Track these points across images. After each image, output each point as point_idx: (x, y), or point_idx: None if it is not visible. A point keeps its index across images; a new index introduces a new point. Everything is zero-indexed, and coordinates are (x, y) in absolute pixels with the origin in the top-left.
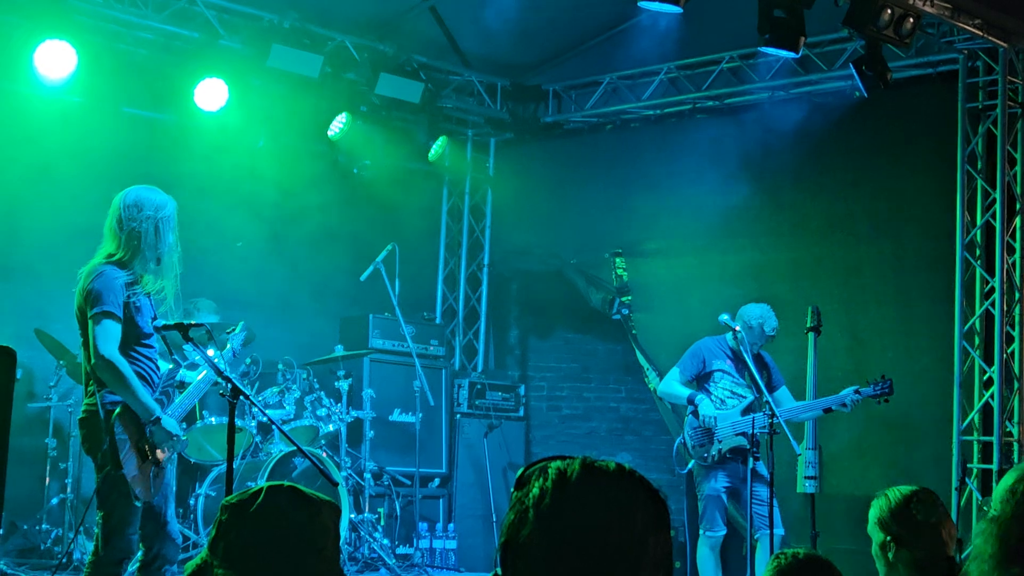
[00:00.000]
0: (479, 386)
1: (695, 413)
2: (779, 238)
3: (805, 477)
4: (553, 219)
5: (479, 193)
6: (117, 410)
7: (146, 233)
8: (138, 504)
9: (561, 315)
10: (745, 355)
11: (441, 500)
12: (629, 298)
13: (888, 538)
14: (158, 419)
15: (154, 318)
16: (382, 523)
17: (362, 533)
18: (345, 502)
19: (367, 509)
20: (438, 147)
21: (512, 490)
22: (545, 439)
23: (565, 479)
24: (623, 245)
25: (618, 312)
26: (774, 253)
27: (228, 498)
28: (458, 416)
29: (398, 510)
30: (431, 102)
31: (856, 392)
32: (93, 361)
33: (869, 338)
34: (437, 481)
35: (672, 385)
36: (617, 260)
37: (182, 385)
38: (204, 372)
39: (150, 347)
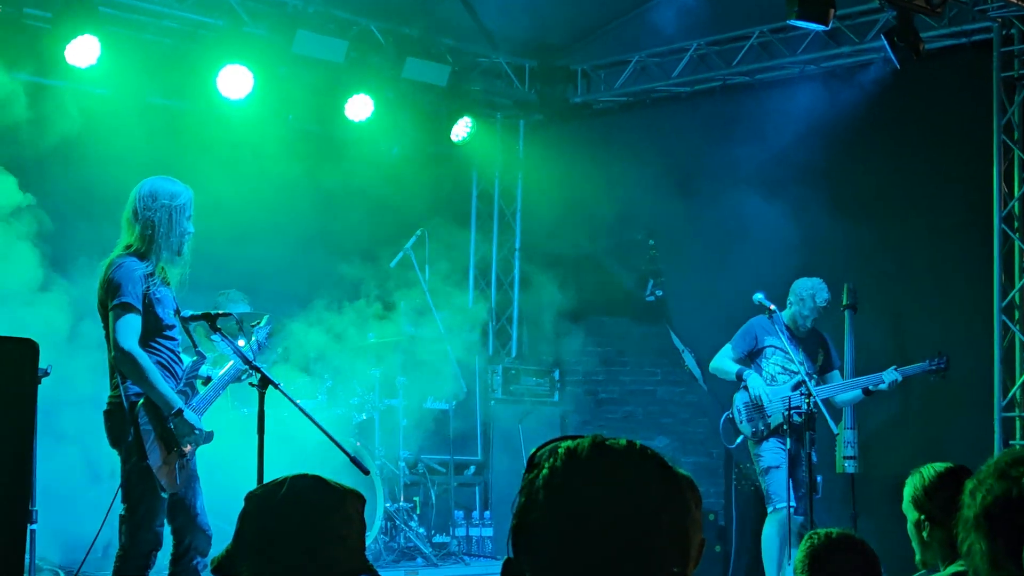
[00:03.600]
0: (513, 371)
1: (746, 388)
2: (814, 214)
3: (844, 457)
4: (584, 200)
5: (509, 176)
6: (141, 400)
7: (160, 222)
8: (164, 496)
9: (595, 298)
10: (782, 333)
11: (476, 487)
12: (662, 279)
13: (922, 517)
14: (180, 411)
15: (177, 310)
16: (417, 512)
17: (397, 522)
18: (380, 492)
19: (402, 498)
20: (467, 131)
21: (524, 473)
22: (581, 424)
23: (574, 457)
24: (656, 225)
25: (652, 294)
26: (810, 230)
27: (253, 489)
28: (492, 402)
29: (433, 498)
30: (458, 85)
31: (896, 369)
32: (113, 354)
33: (907, 314)
34: (472, 469)
35: (723, 361)
36: (650, 241)
37: (208, 381)
38: (230, 364)
39: (172, 339)
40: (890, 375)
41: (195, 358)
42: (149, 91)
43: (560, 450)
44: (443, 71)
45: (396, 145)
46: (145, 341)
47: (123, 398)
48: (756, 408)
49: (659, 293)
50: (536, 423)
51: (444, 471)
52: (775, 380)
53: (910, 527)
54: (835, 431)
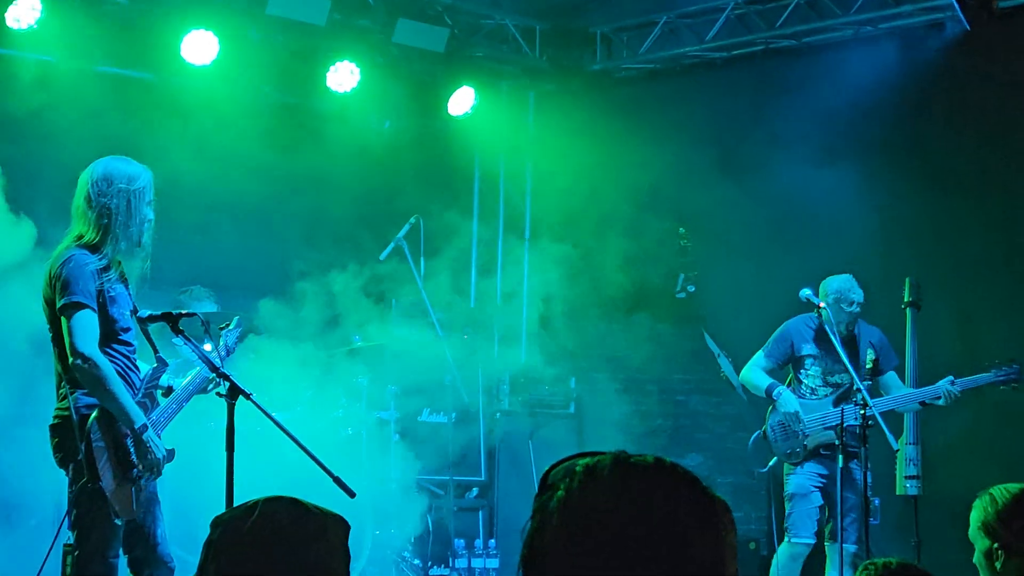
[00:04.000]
0: (522, 379)
1: (775, 407)
2: (868, 196)
3: (905, 477)
4: (604, 183)
5: (517, 155)
6: (94, 414)
7: (118, 210)
8: (119, 523)
9: (617, 295)
10: (831, 335)
11: (480, 512)
12: (695, 273)
13: (995, 545)
14: (144, 427)
15: (134, 309)
16: (412, 540)
17: (389, 552)
18: (368, 517)
19: (394, 525)
20: (469, 104)
21: (536, 495)
22: (600, 439)
23: (594, 477)
24: (687, 211)
25: (683, 290)
26: (862, 214)
27: (220, 515)
28: (498, 415)
29: (430, 525)
30: (458, 51)
31: (952, 383)
32: (70, 360)
33: (977, 312)
34: (475, 491)
35: (754, 372)
36: (680, 230)
37: (169, 391)
38: (194, 373)
39: (128, 344)
40: (945, 387)
41: (154, 365)
42: (100, 58)
43: (578, 469)
44: (440, 35)
45: (388, 119)
46: (98, 345)
47: (72, 410)
48: (790, 429)
49: (691, 289)
50: (549, 438)
51: (442, 493)
52: (815, 393)
53: (978, 556)
54: (895, 447)
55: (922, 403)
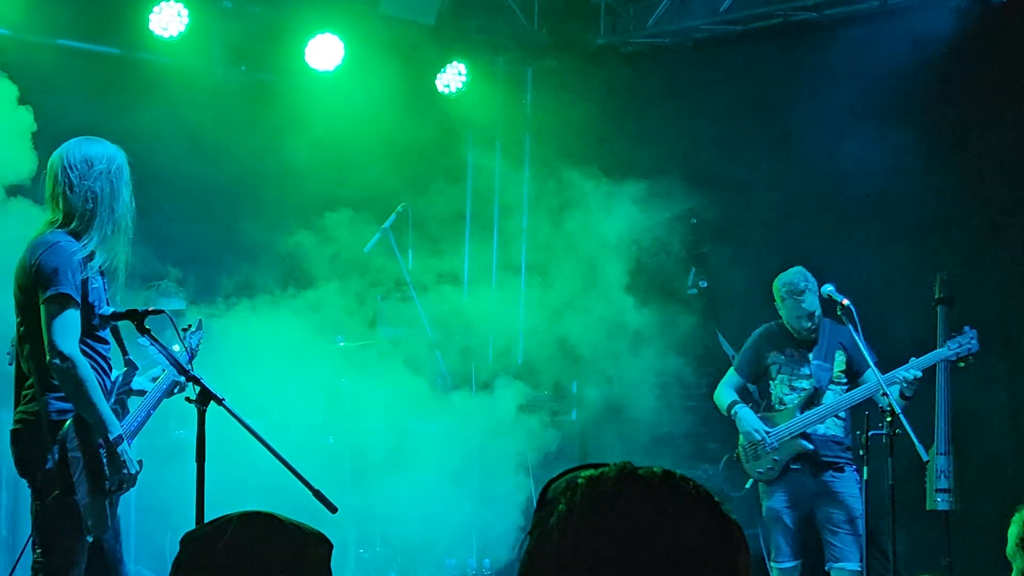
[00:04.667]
0: (519, 382)
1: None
2: (896, 182)
3: (936, 490)
4: (608, 167)
5: (513, 137)
6: (69, 420)
7: (102, 193)
8: (89, 539)
9: (621, 292)
10: (856, 336)
11: (474, 527)
12: (708, 266)
13: None
14: (120, 439)
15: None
16: (399, 558)
17: (373, 573)
18: (351, 533)
19: (379, 542)
20: (460, 81)
21: (535, 510)
22: (603, 448)
23: (597, 491)
24: (700, 199)
25: (694, 286)
26: (889, 202)
27: (189, 531)
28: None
29: (418, 542)
30: (450, 23)
31: (910, 370)
32: (47, 358)
33: (1019, 310)
34: (468, 504)
35: (721, 391)
36: (692, 220)
37: (141, 394)
38: (162, 377)
39: (104, 342)
40: (900, 374)
41: (124, 369)
42: (60, 30)
43: (580, 481)
44: (431, 5)
45: (371, 95)
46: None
47: (43, 414)
48: (759, 447)
49: (703, 284)
50: (549, 446)
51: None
52: (783, 403)
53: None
54: (925, 458)
55: (903, 396)
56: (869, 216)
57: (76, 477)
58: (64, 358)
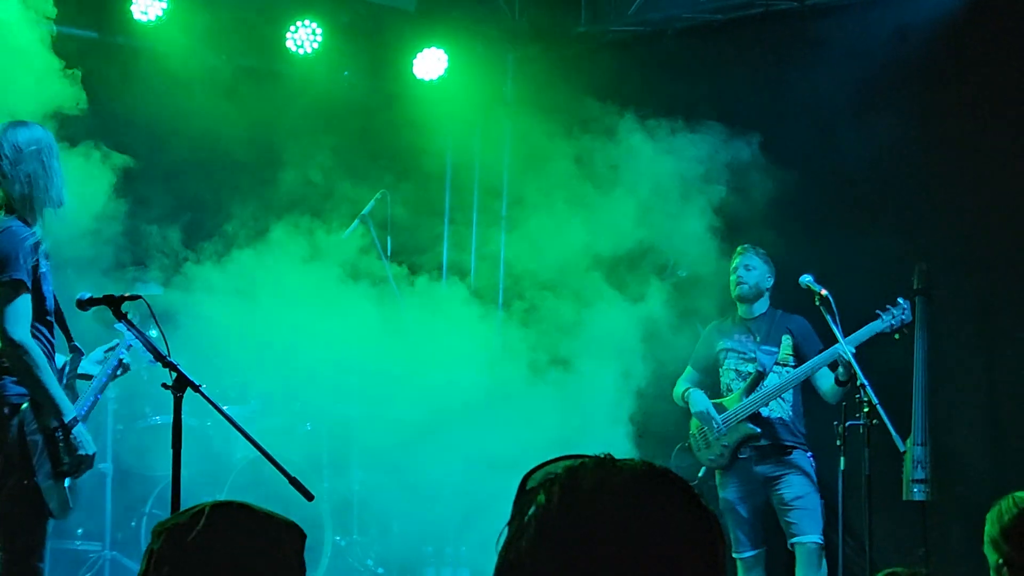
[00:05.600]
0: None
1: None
2: (877, 171)
3: (912, 481)
4: (588, 156)
5: (493, 125)
6: (26, 404)
7: (36, 174)
8: (50, 523)
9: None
10: (834, 328)
11: (450, 517)
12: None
13: (1000, 560)
14: (75, 421)
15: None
16: (375, 547)
17: (350, 560)
18: (328, 522)
19: (356, 530)
20: (440, 68)
21: (514, 500)
22: (586, 439)
23: (576, 482)
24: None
25: (672, 274)
26: (873, 192)
27: (162, 521)
28: None
29: (395, 530)
30: (429, 10)
31: (846, 346)
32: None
33: (997, 301)
34: (447, 490)
35: (677, 386)
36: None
37: (88, 378)
38: (106, 363)
39: (51, 326)
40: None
41: (70, 355)
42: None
43: (559, 472)
44: None
45: (347, 71)
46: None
47: (1, 398)
48: (709, 434)
49: (682, 273)
50: (531, 437)
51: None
52: (731, 390)
53: (992, 572)
54: (902, 448)
55: (838, 382)
56: (849, 206)
57: (36, 460)
58: (15, 344)
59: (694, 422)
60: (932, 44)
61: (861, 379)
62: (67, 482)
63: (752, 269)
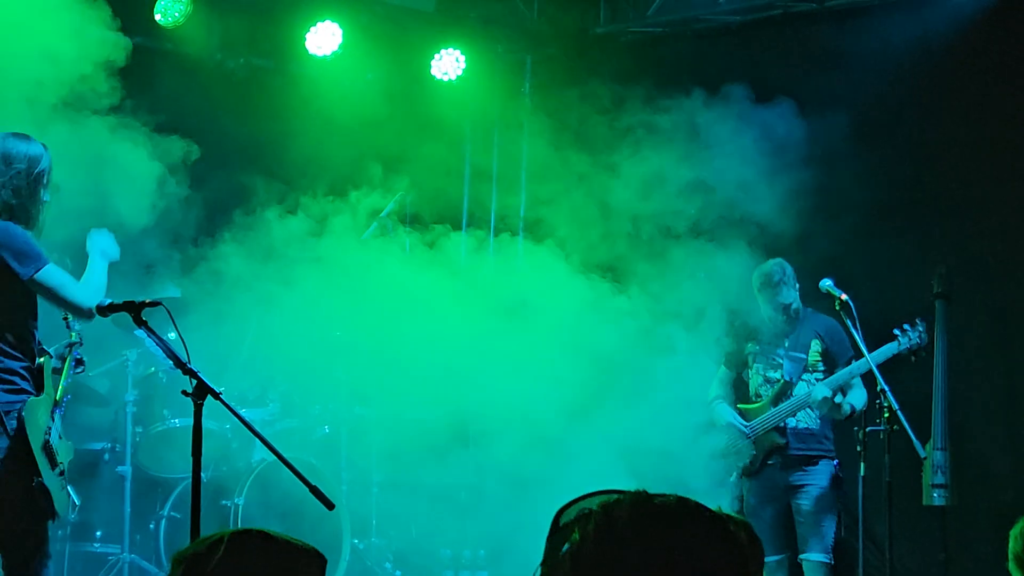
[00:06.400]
0: None
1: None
2: (895, 176)
3: (932, 485)
4: (607, 157)
5: (512, 126)
6: (24, 407)
7: (17, 191)
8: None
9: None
10: (854, 333)
11: (469, 520)
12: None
13: None
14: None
15: None
16: (394, 550)
17: (368, 564)
18: (346, 525)
19: (374, 533)
20: (458, 69)
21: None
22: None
23: (611, 521)
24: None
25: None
26: (888, 194)
27: (181, 550)
28: None
29: (414, 534)
30: (448, 10)
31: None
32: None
33: (1018, 306)
34: (463, 494)
35: (712, 388)
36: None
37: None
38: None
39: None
40: (819, 391)
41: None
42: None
43: (593, 509)
44: None
45: (368, 72)
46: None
47: None
48: (738, 442)
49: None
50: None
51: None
52: (759, 396)
53: None
54: (922, 454)
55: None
56: (868, 209)
57: (38, 457)
58: (93, 313)
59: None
60: (953, 48)
61: (881, 384)
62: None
63: (788, 286)
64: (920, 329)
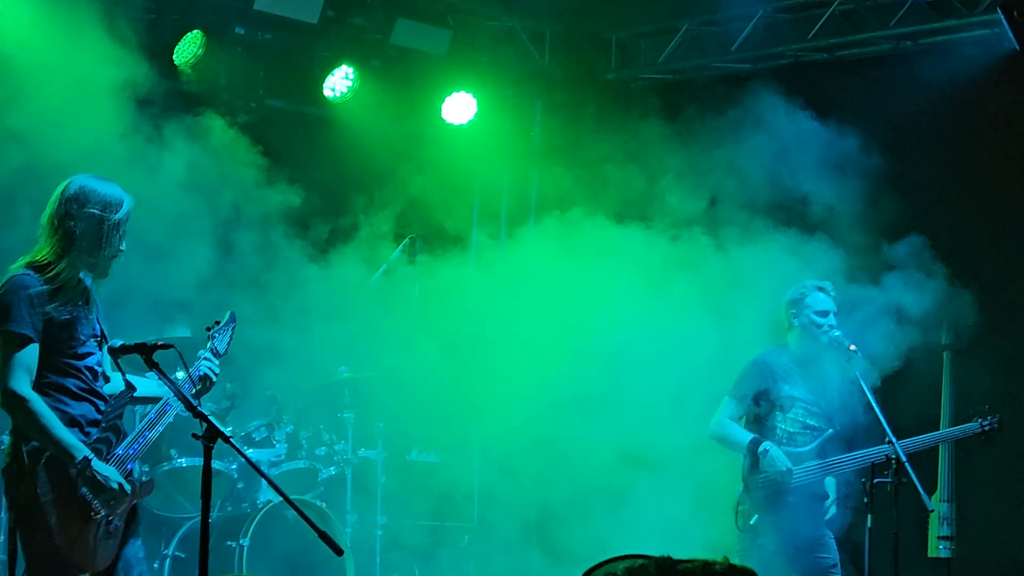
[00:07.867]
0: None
1: (756, 464)
2: (905, 223)
3: (939, 537)
4: (617, 202)
5: (522, 170)
6: (45, 456)
7: (83, 235)
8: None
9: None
10: (862, 384)
11: (471, 562)
12: None
13: None
14: (87, 460)
15: (100, 335)
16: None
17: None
18: (350, 568)
19: (379, 572)
20: (469, 113)
21: None
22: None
23: None
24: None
25: None
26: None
27: None
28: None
29: (419, 572)
30: (460, 54)
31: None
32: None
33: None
34: (467, 539)
35: (728, 426)
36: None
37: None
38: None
39: (84, 371)
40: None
41: (122, 388)
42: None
43: (618, 572)
44: (442, 36)
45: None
46: (43, 378)
47: (24, 455)
48: (782, 486)
49: None
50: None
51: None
52: (793, 440)
53: None
54: (929, 507)
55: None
56: (877, 256)
57: (54, 521)
58: (10, 395)
59: (756, 474)
60: (960, 97)
61: (889, 436)
62: (107, 528)
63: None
64: (998, 416)
